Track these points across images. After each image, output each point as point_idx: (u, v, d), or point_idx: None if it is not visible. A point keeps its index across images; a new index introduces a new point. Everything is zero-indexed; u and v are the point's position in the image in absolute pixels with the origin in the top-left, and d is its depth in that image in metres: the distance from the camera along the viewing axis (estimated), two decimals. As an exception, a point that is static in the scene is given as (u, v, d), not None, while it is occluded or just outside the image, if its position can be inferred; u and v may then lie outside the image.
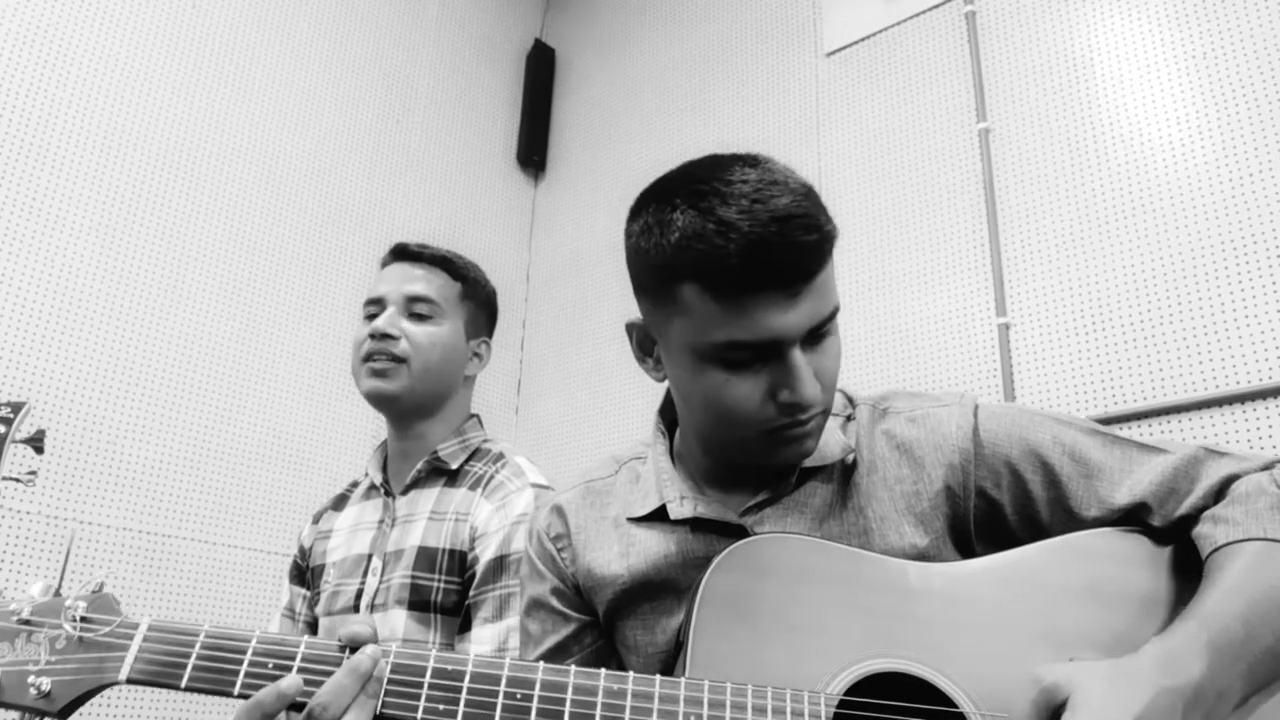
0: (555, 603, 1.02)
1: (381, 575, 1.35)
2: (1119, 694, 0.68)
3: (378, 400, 1.41)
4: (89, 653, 0.75)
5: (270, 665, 0.75)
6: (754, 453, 0.90)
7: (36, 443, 1.13)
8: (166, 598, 2.34)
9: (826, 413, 0.88)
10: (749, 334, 0.81)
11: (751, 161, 0.85)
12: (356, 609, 1.36)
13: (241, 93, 2.82)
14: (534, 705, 0.74)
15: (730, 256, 0.79)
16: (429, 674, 0.76)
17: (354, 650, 0.76)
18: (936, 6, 2.69)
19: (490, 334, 1.56)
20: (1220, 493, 0.85)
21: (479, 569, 1.28)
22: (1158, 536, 0.86)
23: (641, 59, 3.55)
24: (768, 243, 0.78)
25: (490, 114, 3.65)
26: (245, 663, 0.75)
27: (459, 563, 1.31)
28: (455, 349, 1.45)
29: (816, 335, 0.84)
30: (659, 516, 0.97)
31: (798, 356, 0.82)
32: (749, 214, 0.79)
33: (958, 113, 2.55)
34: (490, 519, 1.31)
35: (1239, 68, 2.12)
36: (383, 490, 1.45)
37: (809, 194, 0.82)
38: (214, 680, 0.75)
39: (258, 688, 0.74)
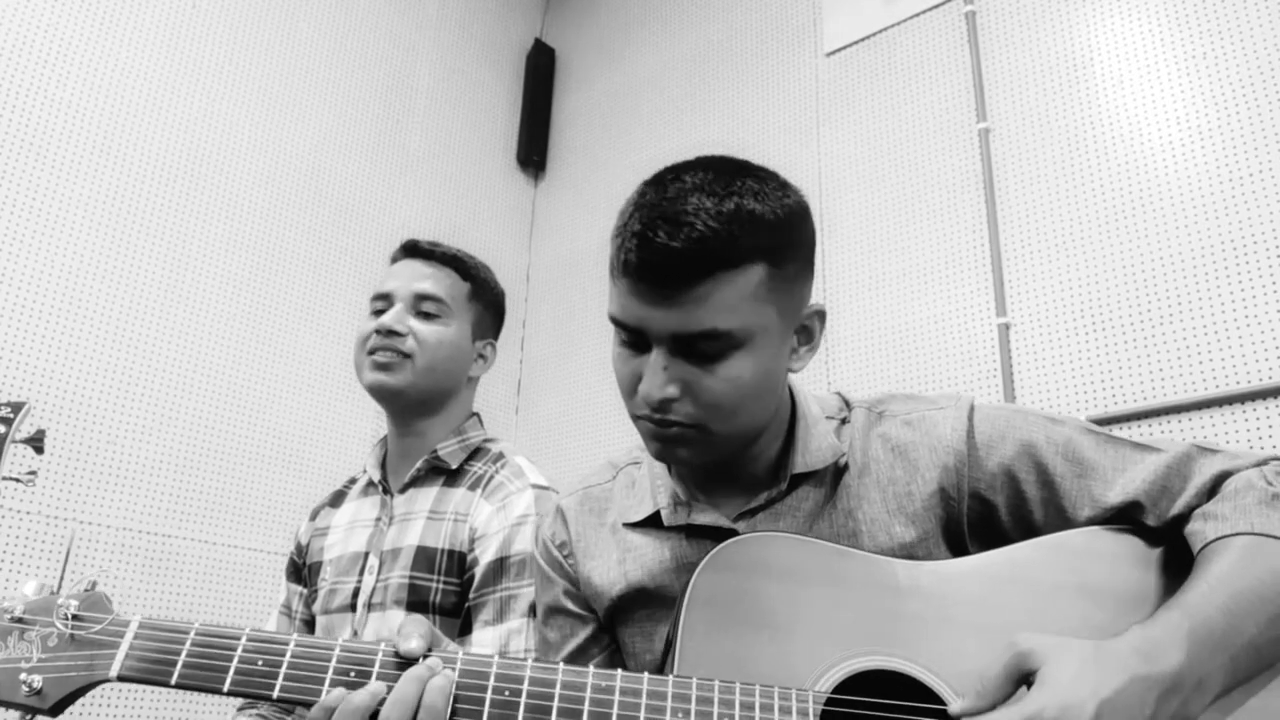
0: (570, 605, 1.03)
1: (378, 574, 1.35)
2: (1091, 676, 0.68)
3: (380, 393, 1.40)
4: (80, 650, 0.76)
5: (260, 663, 0.75)
6: (644, 443, 0.93)
7: (36, 443, 1.13)
8: (166, 598, 2.34)
9: (706, 430, 0.86)
10: (621, 314, 0.87)
11: (722, 169, 0.86)
12: (353, 608, 1.36)
13: (241, 93, 2.82)
14: (522, 700, 0.74)
15: (619, 237, 0.84)
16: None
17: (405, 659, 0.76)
18: (936, 6, 2.69)
19: (496, 336, 1.55)
20: (1213, 490, 0.85)
21: (479, 571, 1.28)
22: (1148, 534, 0.86)
23: (641, 59, 3.56)
24: (645, 237, 0.81)
25: (490, 114, 3.65)
26: (235, 660, 0.75)
27: (458, 564, 1.30)
28: (461, 349, 1.45)
29: (698, 350, 0.84)
30: (654, 522, 0.98)
31: (657, 354, 0.84)
32: (654, 208, 0.82)
33: (958, 113, 2.55)
34: (490, 520, 1.31)
35: (1239, 68, 2.11)
36: (381, 488, 1.45)
37: (729, 215, 0.81)
38: (204, 677, 0.75)
39: (247, 684, 0.75)
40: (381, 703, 0.73)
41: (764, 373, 0.87)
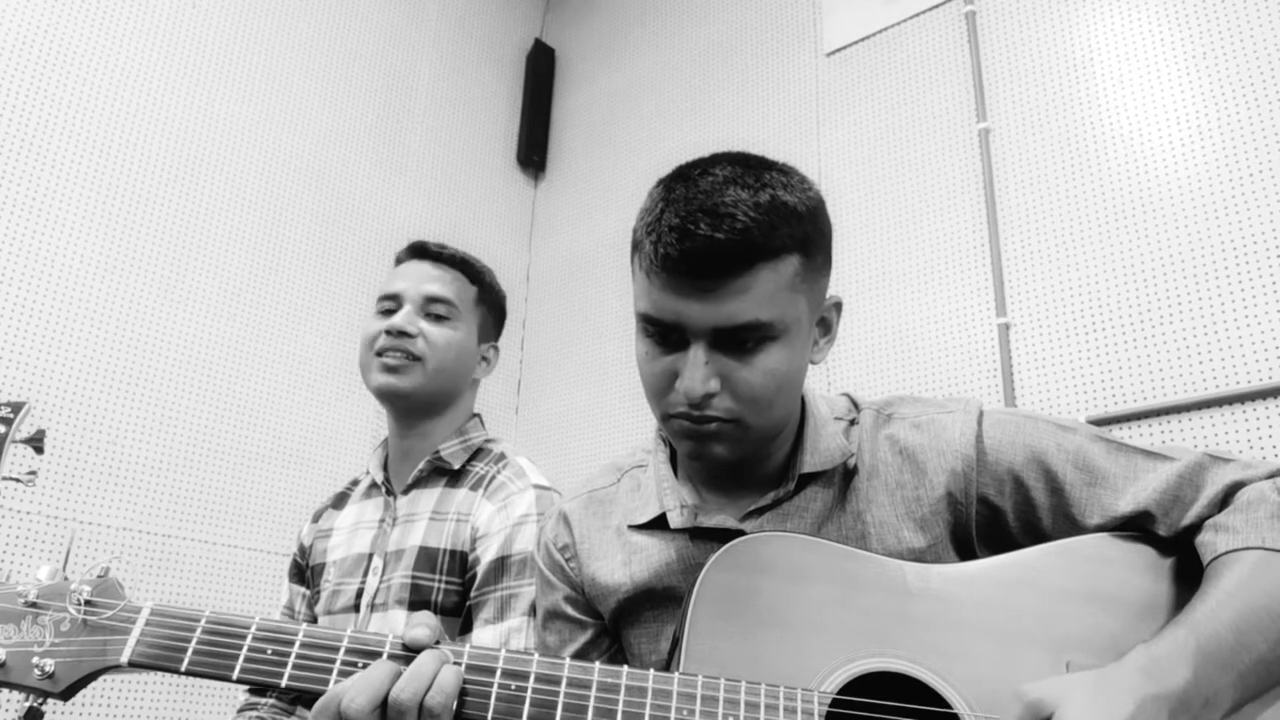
0: (570, 610, 1.03)
1: (382, 575, 1.35)
2: (1104, 703, 0.68)
3: (388, 395, 1.40)
4: (92, 635, 0.76)
5: (270, 651, 0.75)
6: (676, 443, 0.92)
7: (36, 443, 1.13)
8: (166, 598, 2.34)
9: (743, 424, 0.87)
10: (656, 310, 0.85)
11: (748, 163, 0.87)
12: (357, 608, 1.36)
13: (241, 93, 2.82)
14: (528, 695, 0.74)
15: (653, 233, 0.83)
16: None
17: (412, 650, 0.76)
18: (936, 6, 2.69)
19: (498, 338, 1.56)
20: (1225, 500, 0.84)
21: (480, 570, 1.28)
22: (1158, 542, 0.86)
23: (641, 59, 3.56)
24: (686, 230, 0.81)
25: (490, 114, 3.65)
26: (245, 648, 0.75)
27: (460, 563, 1.31)
28: (467, 352, 1.45)
29: (738, 343, 0.84)
30: (660, 524, 0.97)
31: (697, 350, 0.84)
32: (690, 202, 0.82)
33: (958, 113, 2.55)
34: (492, 520, 1.31)
35: (1239, 68, 2.12)
36: (384, 489, 1.45)
37: (767, 206, 0.82)
38: (213, 665, 0.75)
39: (256, 672, 0.75)
40: (395, 679, 0.73)
41: (795, 364, 0.88)
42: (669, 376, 0.86)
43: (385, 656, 0.75)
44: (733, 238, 0.80)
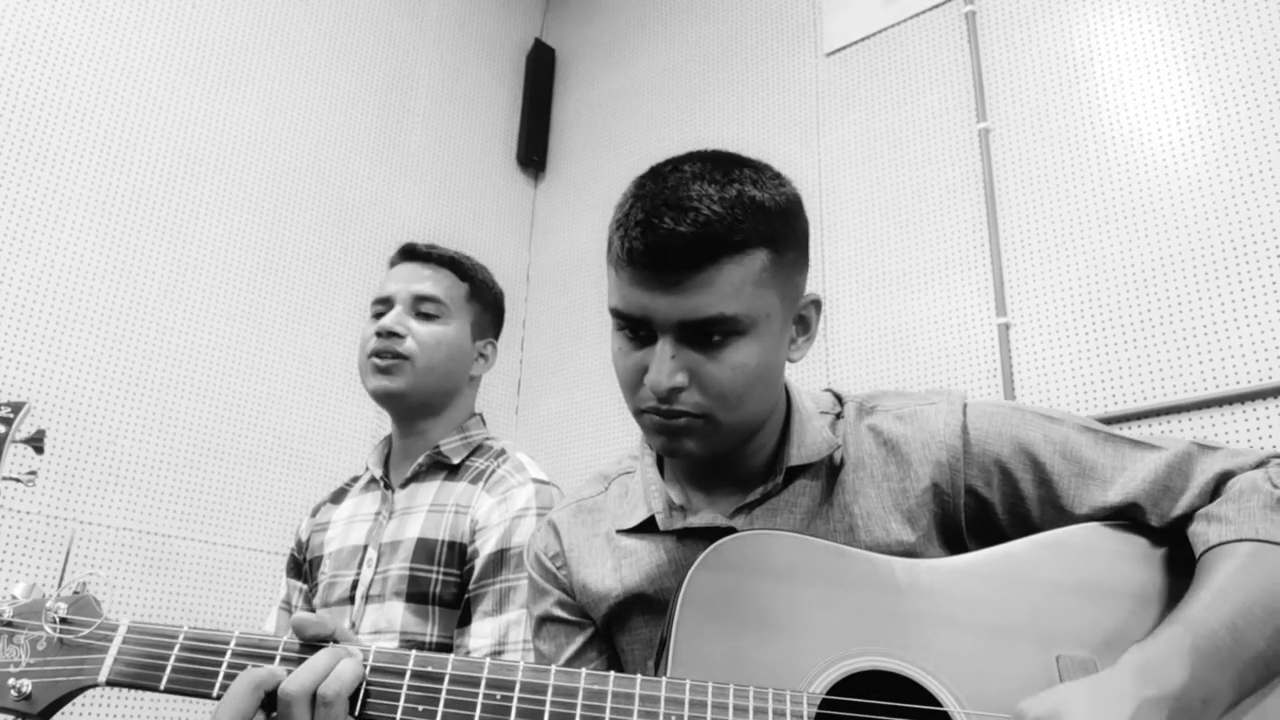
0: (563, 614, 1.02)
1: (377, 566, 1.36)
2: (1103, 710, 0.68)
3: (382, 397, 1.42)
4: (69, 654, 0.75)
5: (251, 666, 0.74)
6: (649, 438, 0.93)
7: (36, 443, 1.13)
8: (166, 598, 2.35)
9: (713, 419, 0.86)
10: (624, 305, 0.86)
11: (719, 160, 0.87)
12: (352, 600, 1.37)
13: (241, 93, 2.82)
14: (514, 705, 0.74)
15: (620, 228, 0.84)
16: (408, 675, 0.75)
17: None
18: (936, 6, 2.69)
19: (496, 335, 1.57)
20: (1216, 490, 0.84)
21: (479, 562, 1.29)
22: (1148, 531, 0.85)
23: (642, 59, 3.55)
24: (650, 224, 0.81)
25: (490, 114, 3.65)
26: (224, 664, 0.75)
27: (458, 555, 1.31)
28: (460, 349, 1.46)
29: (705, 337, 0.84)
30: (648, 528, 0.97)
31: (664, 344, 0.84)
32: (656, 197, 0.83)
33: (958, 113, 2.55)
34: (491, 512, 1.32)
35: (1239, 68, 2.11)
36: (382, 483, 1.46)
37: (733, 200, 0.82)
38: (193, 682, 0.74)
39: None
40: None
41: (767, 360, 0.87)
42: (639, 371, 0.86)
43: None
44: (695, 230, 0.80)
